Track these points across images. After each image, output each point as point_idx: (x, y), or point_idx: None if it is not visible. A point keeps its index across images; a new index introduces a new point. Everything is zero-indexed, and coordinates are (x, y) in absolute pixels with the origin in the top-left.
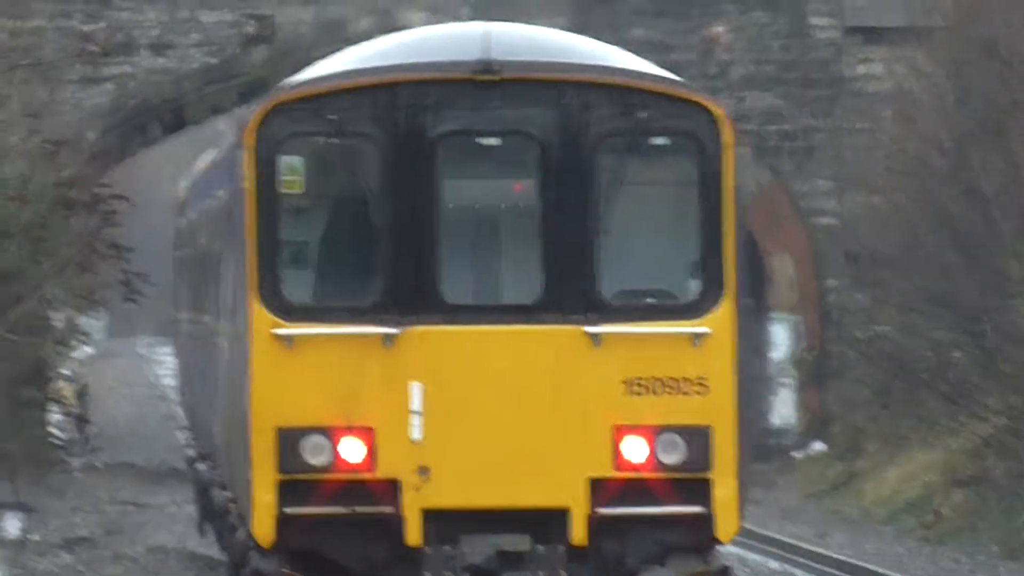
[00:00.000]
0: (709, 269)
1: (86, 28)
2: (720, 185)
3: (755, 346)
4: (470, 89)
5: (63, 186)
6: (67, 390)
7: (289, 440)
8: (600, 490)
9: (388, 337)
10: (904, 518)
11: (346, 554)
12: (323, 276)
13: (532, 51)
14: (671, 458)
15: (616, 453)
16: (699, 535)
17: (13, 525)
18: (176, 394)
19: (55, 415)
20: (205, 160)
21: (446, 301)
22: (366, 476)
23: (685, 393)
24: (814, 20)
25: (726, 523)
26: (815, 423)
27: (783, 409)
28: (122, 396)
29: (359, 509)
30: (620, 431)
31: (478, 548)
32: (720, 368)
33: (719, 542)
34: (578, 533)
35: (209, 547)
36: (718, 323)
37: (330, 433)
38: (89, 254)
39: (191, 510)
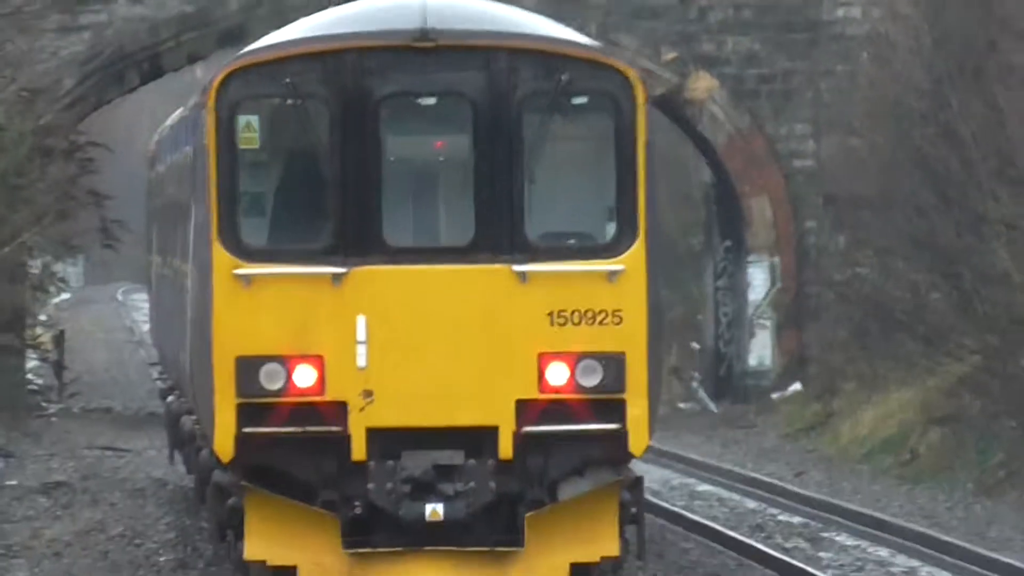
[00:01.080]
0: (623, 214)
1: None
2: (634, 139)
3: (732, 287)
4: (409, 55)
5: (40, 134)
6: (44, 336)
7: (248, 367)
8: (526, 410)
9: (337, 276)
10: (881, 457)
11: (299, 468)
12: (278, 222)
13: (465, 20)
14: (589, 381)
15: (541, 377)
16: (614, 450)
17: None
18: (149, 335)
19: (32, 361)
20: (172, 117)
21: (388, 244)
22: (317, 399)
23: (602, 324)
24: None
25: (638, 439)
26: (792, 364)
27: (761, 350)
28: (99, 342)
29: (310, 428)
30: (544, 358)
31: (417, 462)
32: (633, 302)
33: (632, 456)
34: (506, 449)
35: (184, 481)
36: (632, 262)
37: (285, 361)
38: (67, 201)
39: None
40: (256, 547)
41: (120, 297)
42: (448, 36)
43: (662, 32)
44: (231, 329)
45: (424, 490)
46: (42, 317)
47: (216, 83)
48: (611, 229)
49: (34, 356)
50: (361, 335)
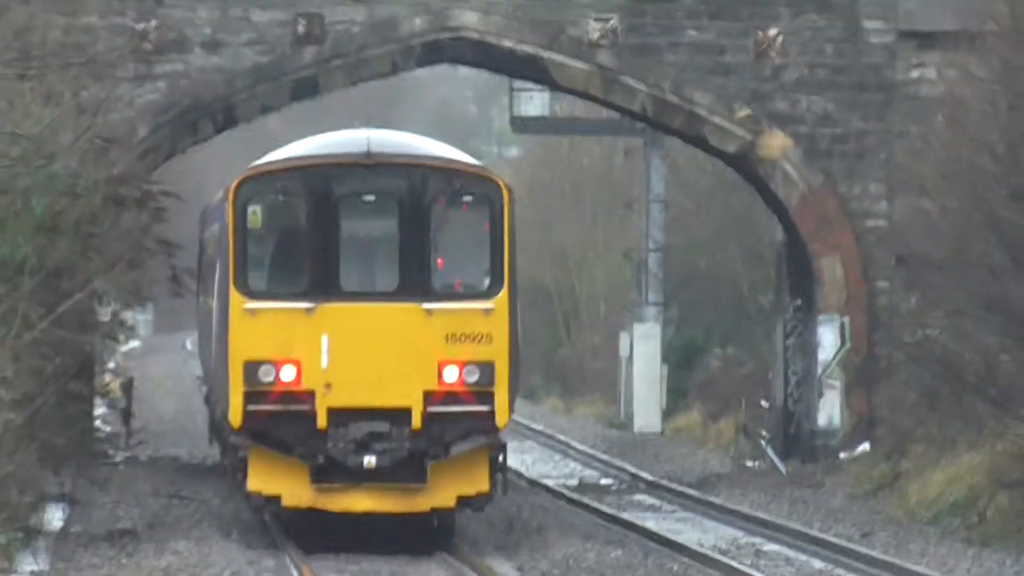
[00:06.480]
0: (494, 271)
1: (139, 26)
2: (503, 224)
3: (802, 346)
4: (358, 168)
5: (114, 183)
6: (113, 384)
7: (251, 368)
8: (430, 397)
9: (309, 310)
10: (949, 519)
11: (283, 434)
12: (272, 274)
13: (395, 147)
14: (472, 379)
15: (440, 376)
16: (487, 424)
17: (56, 516)
18: (194, 351)
19: (100, 408)
20: (213, 199)
21: (343, 289)
22: (295, 388)
23: (480, 342)
24: (868, 24)
25: (502, 417)
26: (861, 424)
27: (830, 410)
28: (167, 391)
29: (291, 407)
30: (442, 364)
31: (359, 429)
32: (500, 328)
33: (498, 427)
34: (416, 421)
35: (261, 553)
36: (499, 302)
37: (275, 364)
38: (138, 250)
39: (235, 506)
40: (255, 483)
41: (189, 346)
42: (383, 157)
43: (736, 89)
44: (241, 343)
45: (363, 447)
46: (111, 365)
47: (235, 185)
48: (487, 281)
49: (102, 404)
50: (324, 347)
